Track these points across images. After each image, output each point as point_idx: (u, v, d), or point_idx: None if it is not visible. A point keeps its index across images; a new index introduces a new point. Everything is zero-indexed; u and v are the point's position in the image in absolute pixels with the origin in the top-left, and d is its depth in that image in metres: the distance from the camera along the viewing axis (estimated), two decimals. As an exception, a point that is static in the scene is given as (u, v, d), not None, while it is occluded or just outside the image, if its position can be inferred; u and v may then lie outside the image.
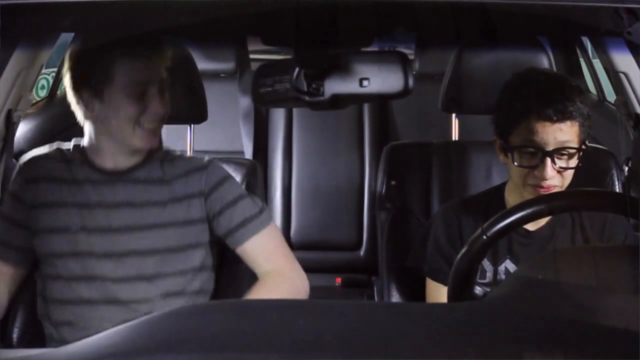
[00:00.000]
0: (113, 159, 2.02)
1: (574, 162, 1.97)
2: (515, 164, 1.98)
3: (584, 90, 2.05)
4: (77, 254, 1.98)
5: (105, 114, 1.97)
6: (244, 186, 2.23)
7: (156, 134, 2.01)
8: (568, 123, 1.94)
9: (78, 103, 1.99)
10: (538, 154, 1.95)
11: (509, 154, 2.00)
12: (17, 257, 2.04)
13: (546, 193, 1.95)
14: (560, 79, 2.06)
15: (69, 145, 2.11)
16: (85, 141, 2.05)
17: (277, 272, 2.02)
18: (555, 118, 1.93)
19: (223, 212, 2.04)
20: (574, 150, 1.96)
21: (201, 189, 2.04)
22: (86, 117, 2.00)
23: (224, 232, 2.05)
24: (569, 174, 1.98)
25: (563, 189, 1.97)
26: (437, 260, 2.11)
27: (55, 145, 2.15)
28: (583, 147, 1.98)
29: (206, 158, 2.12)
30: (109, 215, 2.00)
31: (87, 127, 2.03)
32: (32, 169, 2.06)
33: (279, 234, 2.11)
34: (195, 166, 2.07)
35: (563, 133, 1.94)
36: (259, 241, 2.04)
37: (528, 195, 1.98)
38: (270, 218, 2.09)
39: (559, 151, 1.95)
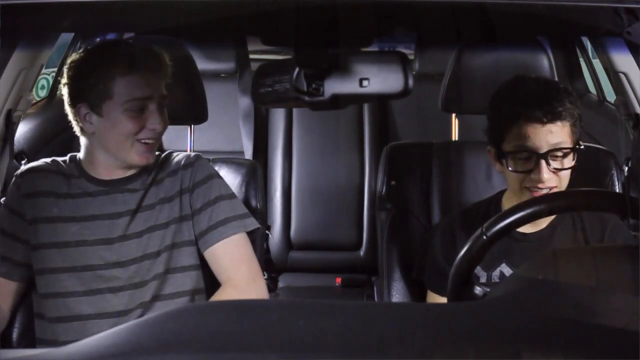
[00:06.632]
0: (109, 172, 2.03)
1: (569, 162, 1.97)
2: (510, 169, 1.98)
3: (571, 91, 2.02)
4: (76, 267, 1.98)
5: (103, 129, 1.97)
6: (244, 187, 2.23)
7: (153, 150, 2.01)
8: (559, 124, 1.93)
9: (75, 116, 1.99)
10: (532, 158, 1.95)
11: (504, 161, 2.00)
12: (19, 272, 2.03)
13: (546, 194, 1.95)
14: (548, 82, 2.06)
15: (64, 158, 2.10)
16: (81, 154, 2.06)
17: (232, 283, 2.00)
18: (545, 120, 1.93)
19: (203, 210, 2.03)
20: (567, 151, 1.95)
21: (187, 185, 2.04)
22: (83, 131, 2.00)
23: (199, 231, 2.03)
24: (566, 174, 1.97)
25: (562, 189, 1.97)
26: (436, 275, 2.10)
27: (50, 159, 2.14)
28: (577, 146, 1.98)
29: (193, 154, 2.11)
30: (106, 226, 2.00)
31: (84, 141, 2.04)
32: (28, 181, 2.04)
33: (248, 243, 2.06)
34: (184, 164, 2.07)
35: (554, 134, 1.93)
36: (227, 247, 2.02)
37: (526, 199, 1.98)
38: (244, 226, 2.05)
39: (552, 152, 1.94)
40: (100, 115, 1.95)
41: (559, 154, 1.95)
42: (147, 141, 1.97)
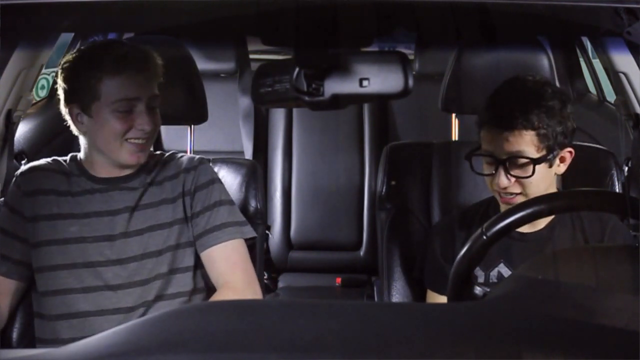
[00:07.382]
0: (106, 170, 2.05)
1: (528, 172, 1.94)
2: (474, 169, 2.02)
3: (560, 97, 1.97)
4: (76, 265, 1.98)
5: (93, 130, 1.99)
6: (243, 187, 2.23)
7: (144, 149, 2.01)
8: (516, 132, 1.92)
9: (69, 116, 2.01)
10: (494, 162, 1.97)
11: (471, 160, 2.03)
12: (18, 271, 2.04)
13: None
14: (533, 87, 1.99)
15: (65, 157, 2.12)
16: (81, 154, 2.08)
17: (230, 286, 2.01)
18: (501, 127, 1.93)
19: (202, 214, 2.04)
20: (526, 160, 1.93)
21: (189, 188, 2.05)
22: (77, 131, 2.03)
23: (197, 233, 2.04)
24: (529, 182, 1.95)
25: (530, 196, 1.93)
26: (436, 274, 2.11)
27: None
28: (549, 156, 1.94)
29: (197, 157, 2.12)
30: (105, 223, 2.01)
31: (82, 141, 2.06)
32: (28, 180, 2.06)
33: (245, 249, 2.07)
34: (186, 166, 2.08)
35: (511, 143, 1.92)
36: (224, 250, 2.03)
37: (500, 201, 2.01)
38: (242, 232, 2.06)
39: (511, 160, 1.94)
40: (90, 115, 1.97)
41: (519, 162, 1.94)
42: (136, 141, 1.98)
